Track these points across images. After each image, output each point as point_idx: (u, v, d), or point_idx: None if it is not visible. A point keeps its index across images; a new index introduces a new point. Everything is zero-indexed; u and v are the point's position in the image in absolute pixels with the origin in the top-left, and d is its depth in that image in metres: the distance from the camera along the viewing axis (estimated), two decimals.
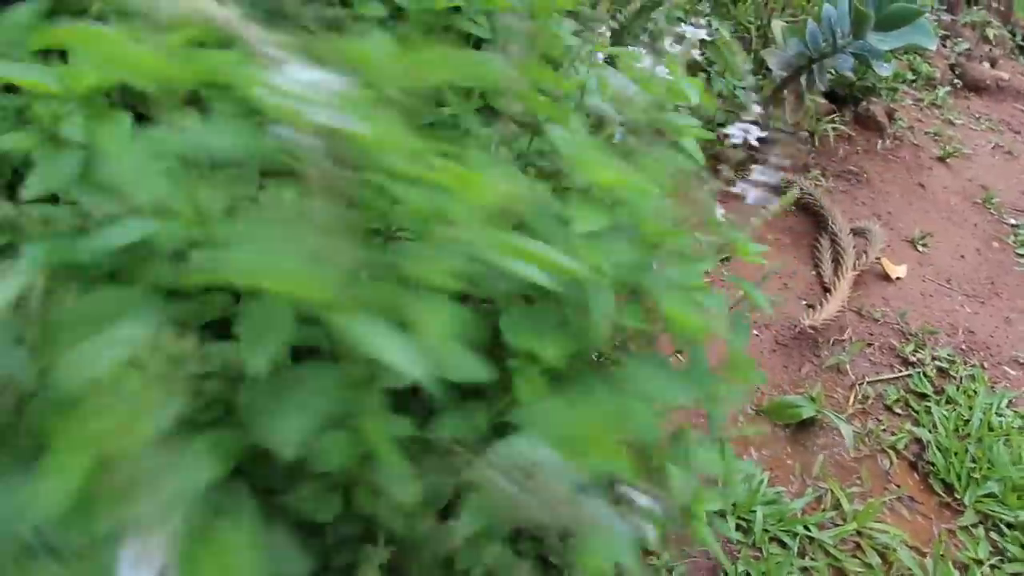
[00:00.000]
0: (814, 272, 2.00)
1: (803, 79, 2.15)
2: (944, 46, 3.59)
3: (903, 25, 1.98)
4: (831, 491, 1.44)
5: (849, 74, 2.16)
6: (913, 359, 1.79)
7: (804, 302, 1.89)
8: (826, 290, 1.91)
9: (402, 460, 0.57)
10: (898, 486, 1.49)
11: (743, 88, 1.77)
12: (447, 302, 0.49)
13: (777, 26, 2.13)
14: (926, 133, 2.86)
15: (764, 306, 0.96)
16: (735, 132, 0.78)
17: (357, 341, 0.42)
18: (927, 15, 1.98)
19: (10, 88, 0.92)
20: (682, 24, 0.75)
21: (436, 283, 0.48)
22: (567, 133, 0.65)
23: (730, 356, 0.95)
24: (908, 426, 1.61)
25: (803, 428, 1.57)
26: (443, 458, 0.72)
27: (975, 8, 3.89)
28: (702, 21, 0.76)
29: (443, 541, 0.73)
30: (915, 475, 1.52)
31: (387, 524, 0.68)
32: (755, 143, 0.78)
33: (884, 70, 2.11)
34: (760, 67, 2.26)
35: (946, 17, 3.70)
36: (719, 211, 0.82)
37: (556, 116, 0.71)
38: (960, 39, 3.67)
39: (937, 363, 1.78)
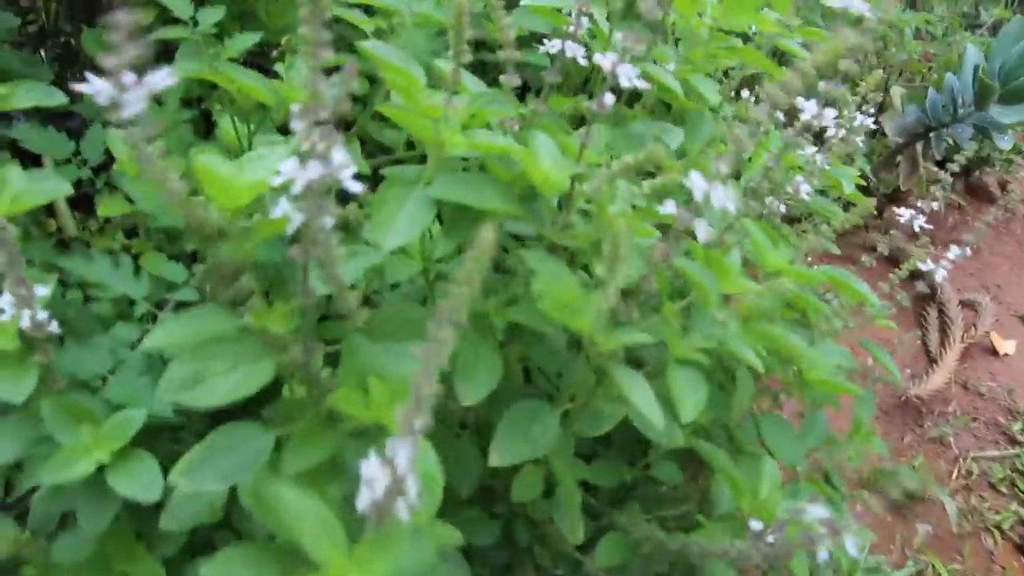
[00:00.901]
0: (920, 341, 1.98)
1: (919, 146, 2.15)
2: None
3: None
4: (932, 566, 1.42)
5: (967, 144, 2.14)
6: (1020, 438, 1.75)
7: (908, 371, 1.87)
8: (932, 360, 1.89)
9: (579, 502, 0.62)
10: (1003, 568, 1.46)
11: (863, 155, 1.79)
12: (702, 379, 0.55)
13: (896, 92, 2.14)
14: None
15: (895, 373, 0.98)
16: (904, 213, 0.82)
17: (620, 384, 0.48)
18: None
19: (190, 102, 1.01)
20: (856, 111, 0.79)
21: (692, 358, 0.55)
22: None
23: (855, 423, 0.97)
24: (1014, 506, 1.58)
25: (904, 498, 1.55)
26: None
27: None
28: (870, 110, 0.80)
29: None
30: (1021, 558, 1.49)
31: (537, 557, 0.73)
32: (917, 228, 0.82)
33: (1005, 143, 2.09)
34: (875, 131, 2.26)
35: None
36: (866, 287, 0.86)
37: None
38: None
39: None
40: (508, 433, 0.61)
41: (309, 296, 0.49)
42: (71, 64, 1.33)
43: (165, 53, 0.89)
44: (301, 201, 0.42)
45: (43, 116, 0.89)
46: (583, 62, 0.70)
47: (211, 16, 0.79)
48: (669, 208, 0.57)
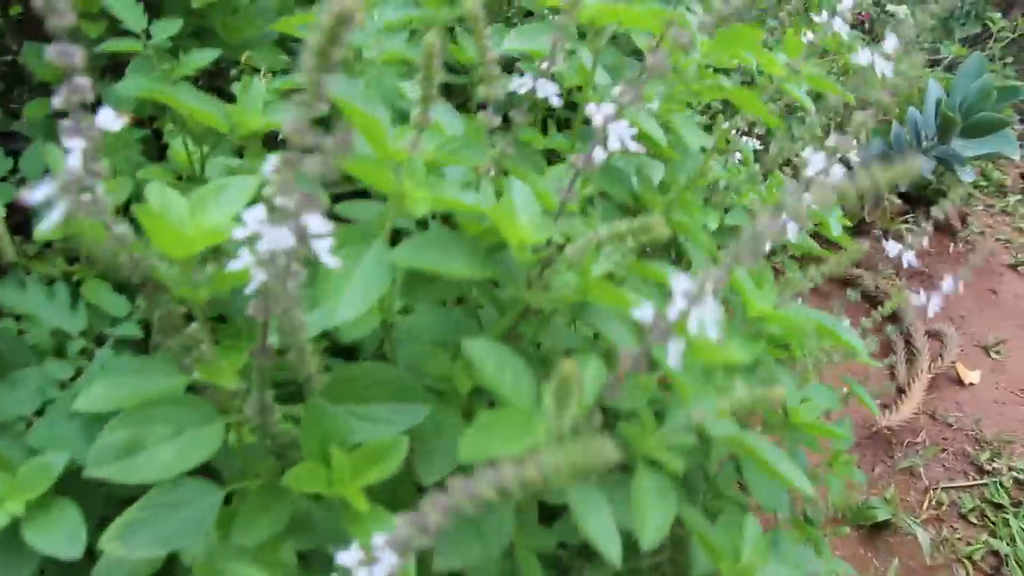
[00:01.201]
0: (887, 372, 1.98)
1: None
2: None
3: (988, 133, 1.99)
4: None
5: (930, 177, 2.16)
6: (988, 468, 1.75)
7: (878, 402, 1.86)
8: (900, 391, 1.89)
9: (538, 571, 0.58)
10: None
11: None
12: (672, 488, 0.51)
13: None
14: (997, 239, 2.84)
15: (874, 409, 0.96)
16: (891, 248, 0.81)
17: (573, 508, 0.44)
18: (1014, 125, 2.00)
19: (141, 122, 0.97)
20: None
21: (659, 459, 0.51)
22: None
23: (833, 455, 0.95)
24: (984, 537, 1.57)
25: (877, 530, 1.53)
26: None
27: None
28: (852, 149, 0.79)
29: None
30: None
31: None
32: (907, 264, 0.82)
33: (967, 176, 2.12)
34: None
35: (1019, 127, 3.70)
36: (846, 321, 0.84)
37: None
38: None
39: (1014, 474, 1.73)
40: (455, 528, 0.56)
41: (267, 356, 0.45)
42: (17, 83, 1.28)
43: (115, 67, 0.85)
44: (265, 262, 0.37)
45: None
46: (556, 102, 0.66)
47: (166, 29, 0.75)
48: (646, 314, 0.50)
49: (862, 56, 0.79)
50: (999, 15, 2.80)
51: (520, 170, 0.69)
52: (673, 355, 0.50)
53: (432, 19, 0.79)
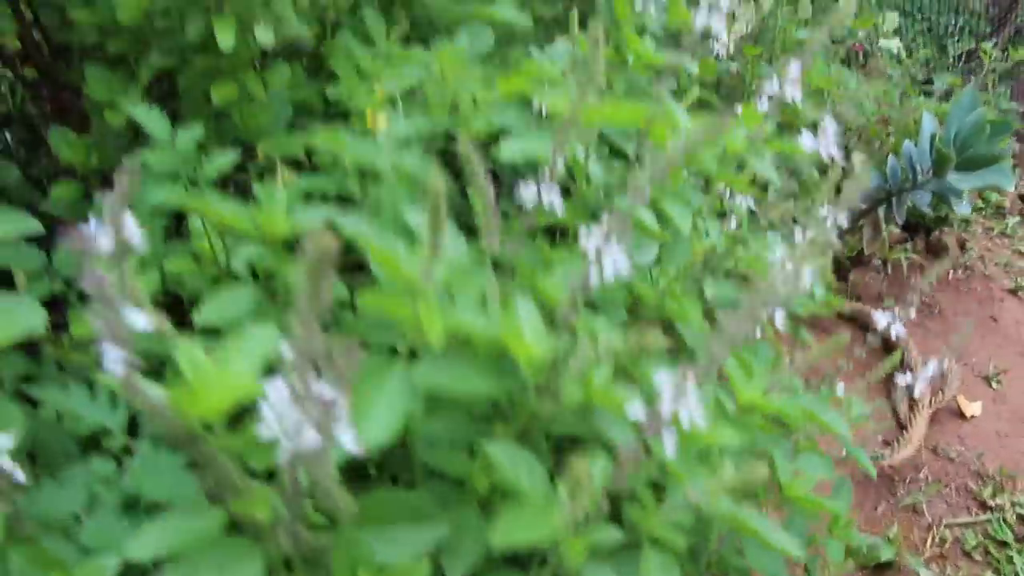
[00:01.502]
0: (888, 406, 2.00)
1: (881, 211, 2.20)
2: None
3: (983, 167, 2.03)
4: None
5: (926, 209, 2.20)
6: (992, 504, 1.77)
7: (880, 438, 1.89)
8: (901, 427, 1.91)
9: None
10: None
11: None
12: (673, 560, 0.55)
13: (857, 158, 2.20)
14: (996, 264, 2.87)
15: (870, 469, 0.99)
16: (879, 318, 0.84)
17: None
18: (1009, 158, 2.03)
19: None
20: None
21: (664, 538, 0.55)
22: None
23: (833, 520, 0.98)
24: (988, 574, 1.59)
25: (881, 571, 1.56)
26: None
27: None
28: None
29: None
30: None
31: None
32: (895, 336, 0.85)
33: (962, 208, 2.15)
34: (835, 195, 2.32)
35: (1016, 146, 3.73)
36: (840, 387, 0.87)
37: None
38: None
39: (1017, 509, 1.76)
40: None
41: (297, 496, 0.49)
42: (37, 148, 1.31)
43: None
44: (289, 432, 0.41)
45: None
46: (559, 208, 0.70)
47: (191, 136, 0.79)
48: (637, 411, 0.56)
49: (806, 141, 0.83)
50: (991, 44, 2.83)
51: (527, 268, 0.74)
52: (668, 445, 0.56)
53: (441, 124, 0.83)
